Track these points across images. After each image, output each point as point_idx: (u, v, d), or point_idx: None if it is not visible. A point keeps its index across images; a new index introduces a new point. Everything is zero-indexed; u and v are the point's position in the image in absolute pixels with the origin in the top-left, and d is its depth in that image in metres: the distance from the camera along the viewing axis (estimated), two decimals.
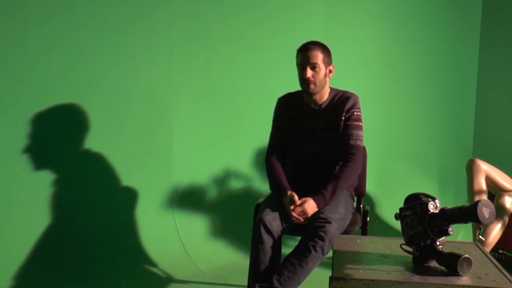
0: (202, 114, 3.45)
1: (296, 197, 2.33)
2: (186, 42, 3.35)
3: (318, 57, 2.43)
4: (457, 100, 4.22)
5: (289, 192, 2.36)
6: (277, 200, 2.40)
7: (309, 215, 2.29)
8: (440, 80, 4.15)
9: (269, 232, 2.25)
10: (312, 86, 2.44)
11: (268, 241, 2.24)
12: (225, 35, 3.48)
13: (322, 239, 2.16)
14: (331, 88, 2.55)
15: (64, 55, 2.99)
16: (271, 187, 2.52)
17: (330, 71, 2.49)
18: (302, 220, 2.30)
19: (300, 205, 2.30)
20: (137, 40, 3.19)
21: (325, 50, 2.47)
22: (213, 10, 3.42)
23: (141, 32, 3.20)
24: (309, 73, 2.42)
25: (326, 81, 2.49)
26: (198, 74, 3.42)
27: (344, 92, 2.53)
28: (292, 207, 2.30)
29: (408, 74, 4.10)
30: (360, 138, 2.47)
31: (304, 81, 2.45)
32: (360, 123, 2.48)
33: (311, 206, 2.30)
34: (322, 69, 2.44)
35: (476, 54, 4.19)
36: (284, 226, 2.30)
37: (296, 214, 2.29)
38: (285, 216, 2.32)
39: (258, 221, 2.27)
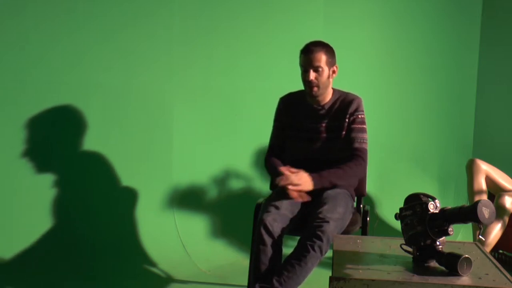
0: (202, 114, 3.45)
1: (287, 171, 2.35)
2: (186, 42, 3.35)
3: (322, 59, 2.41)
4: (457, 100, 4.21)
5: (280, 168, 2.36)
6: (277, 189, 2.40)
7: (304, 188, 2.30)
8: (440, 80, 4.15)
9: (270, 233, 2.24)
10: (315, 88, 2.44)
11: (269, 242, 2.24)
12: (225, 35, 3.48)
13: (320, 239, 2.16)
14: (334, 89, 2.55)
15: (64, 55, 2.99)
16: (272, 179, 2.53)
17: (334, 72, 2.49)
18: (297, 195, 2.30)
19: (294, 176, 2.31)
20: (137, 40, 3.19)
21: (329, 50, 2.46)
22: (213, 10, 3.42)
23: (141, 32, 3.20)
24: (312, 75, 2.41)
25: (330, 82, 2.49)
26: (198, 74, 3.42)
27: (347, 94, 2.53)
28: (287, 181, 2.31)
29: (408, 74, 4.09)
30: (364, 141, 2.48)
31: (307, 83, 2.45)
32: (364, 126, 2.49)
33: (304, 178, 2.31)
34: (325, 70, 2.43)
35: (476, 54, 4.18)
36: (285, 226, 2.30)
37: (290, 184, 2.28)
38: (286, 217, 2.33)
39: (260, 222, 2.26)
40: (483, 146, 4.16)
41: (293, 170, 2.35)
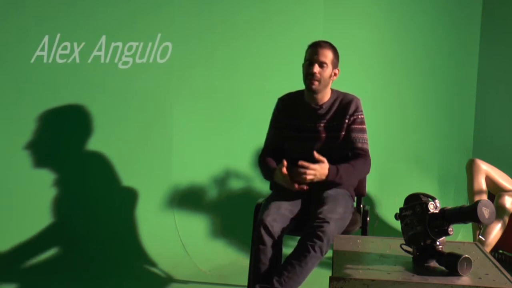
0: (202, 114, 3.45)
1: (285, 163, 2.37)
2: (186, 42, 3.35)
3: (328, 56, 2.46)
4: (457, 100, 4.21)
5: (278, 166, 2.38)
6: (275, 186, 2.42)
7: (315, 178, 2.32)
8: (440, 80, 4.14)
9: (269, 233, 2.25)
10: (316, 82, 2.45)
11: (268, 242, 2.24)
12: (225, 34, 3.48)
13: (321, 239, 2.16)
14: (332, 90, 2.56)
15: (64, 55, 2.99)
16: (264, 177, 2.55)
17: (335, 74, 2.52)
18: (306, 180, 2.32)
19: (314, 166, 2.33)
20: (137, 40, 3.19)
21: (335, 52, 2.51)
22: (213, 10, 3.42)
23: (141, 32, 3.20)
24: (316, 68, 2.43)
25: (329, 82, 2.50)
26: (198, 74, 3.42)
27: (345, 95, 2.54)
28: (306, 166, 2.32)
29: (408, 74, 4.09)
30: (366, 141, 2.50)
31: (309, 76, 2.45)
32: (364, 126, 2.51)
33: (322, 169, 2.33)
34: (329, 68, 2.46)
35: (476, 54, 4.18)
36: (285, 226, 2.31)
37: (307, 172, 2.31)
38: (286, 217, 2.33)
39: (259, 222, 2.27)
40: (483, 146, 4.15)
41: (321, 157, 2.35)
